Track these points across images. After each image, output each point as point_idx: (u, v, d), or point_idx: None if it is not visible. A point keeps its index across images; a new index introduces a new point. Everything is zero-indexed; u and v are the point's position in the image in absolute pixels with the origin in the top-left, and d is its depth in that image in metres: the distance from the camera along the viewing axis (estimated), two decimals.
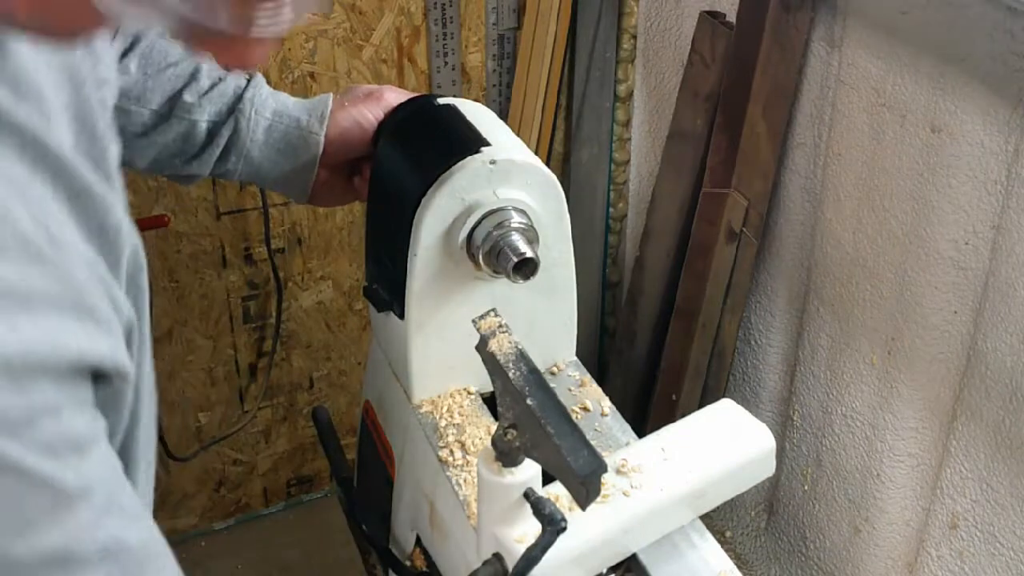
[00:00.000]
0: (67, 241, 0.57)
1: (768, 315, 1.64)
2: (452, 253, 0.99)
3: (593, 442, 0.78)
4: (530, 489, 0.82)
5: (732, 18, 1.54)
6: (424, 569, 1.11)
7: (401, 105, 1.08)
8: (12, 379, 0.50)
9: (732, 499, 1.00)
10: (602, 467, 0.75)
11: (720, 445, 0.97)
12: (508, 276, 0.97)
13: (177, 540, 1.97)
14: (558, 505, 0.82)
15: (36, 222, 0.54)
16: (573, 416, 0.80)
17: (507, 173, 0.98)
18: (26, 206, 0.53)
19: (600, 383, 1.14)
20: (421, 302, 1.02)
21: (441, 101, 1.09)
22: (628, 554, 0.93)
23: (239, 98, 1.03)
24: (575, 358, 1.16)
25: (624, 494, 0.92)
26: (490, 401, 1.07)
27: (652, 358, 1.78)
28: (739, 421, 1.00)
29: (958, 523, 1.34)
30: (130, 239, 0.65)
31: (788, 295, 1.59)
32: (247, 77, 1.04)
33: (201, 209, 1.75)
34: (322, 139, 1.05)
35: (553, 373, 1.14)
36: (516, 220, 0.97)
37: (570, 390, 1.12)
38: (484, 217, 0.97)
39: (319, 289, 1.91)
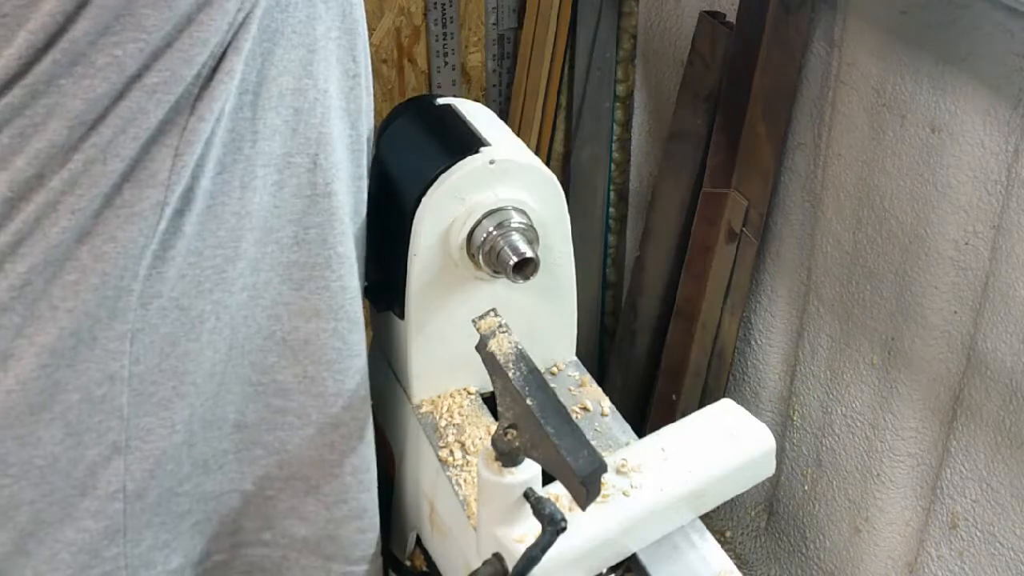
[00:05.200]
0: None
1: (768, 315, 1.64)
2: (452, 253, 0.99)
3: (593, 442, 0.78)
4: (530, 489, 0.82)
5: (732, 18, 1.54)
6: (424, 569, 1.11)
7: (401, 105, 1.09)
8: None
9: (732, 499, 1.00)
10: (602, 467, 0.75)
11: (720, 445, 0.97)
12: (508, 276, 0.97)
13: None
14: (558, 505, 0.82)
15: None
16: (573, 416, 0.80)
17: (506, 173, 0.98)
18: None
19: (600, 383, 1.14)
20: (421, 302, 1.02)
21: (441, 101, 1.09)
22: (628, 554, 0.93)
23: None
24: (575, 358, 1.16)
25: (624, 494, 0.92)
26: (490, 401, 1.07)
27: (652, 358, 1.78)
28: (739, 421, 1.00)
29: (958, 523, 1.34)
30: None
31: (788, 295, 1.59)
32: None
33: None
34: None
35: (553, 373, 1.14)
36: (516, 220, 0.97)
37: (570, 390, 1.12)
38: (484, 217, 0.97)
39: None
